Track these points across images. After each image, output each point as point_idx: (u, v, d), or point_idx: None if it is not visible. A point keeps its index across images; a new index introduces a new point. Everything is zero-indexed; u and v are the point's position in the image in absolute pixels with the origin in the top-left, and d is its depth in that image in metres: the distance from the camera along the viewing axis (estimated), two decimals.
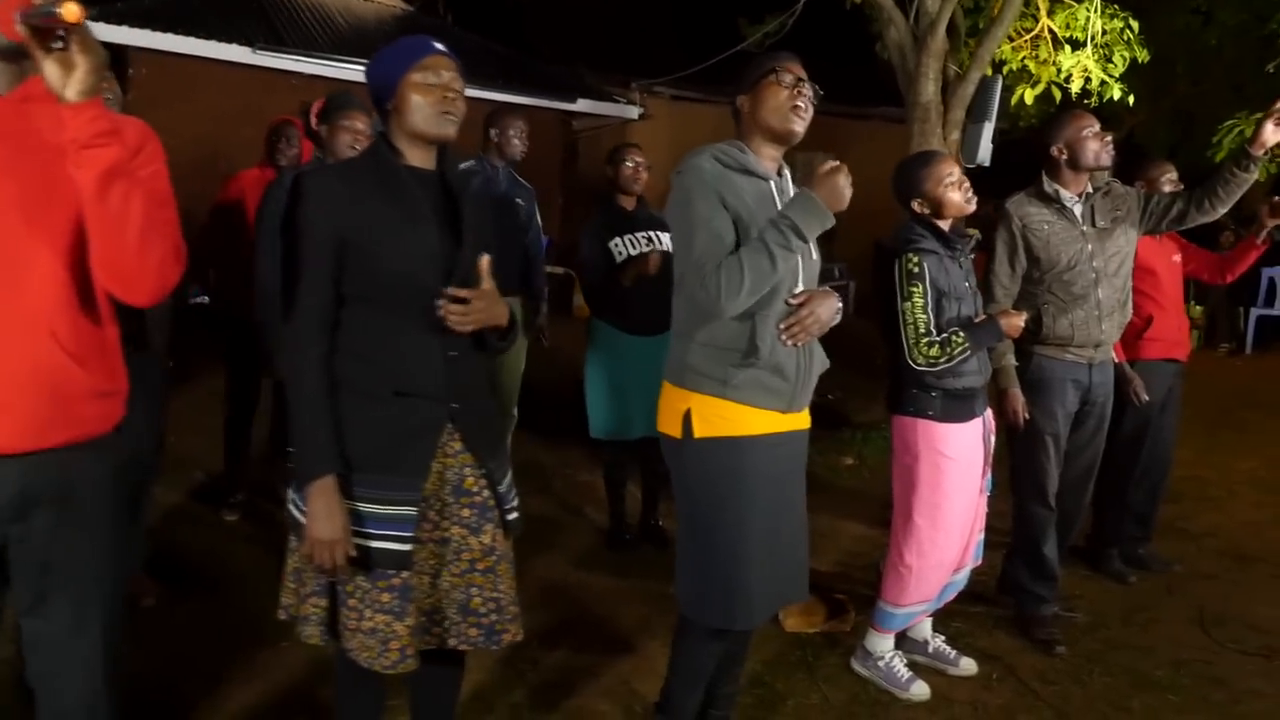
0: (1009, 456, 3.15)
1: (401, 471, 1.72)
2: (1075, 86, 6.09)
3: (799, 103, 2.03)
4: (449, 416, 1.77)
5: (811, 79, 2.06)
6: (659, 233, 3.72)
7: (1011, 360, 3.01)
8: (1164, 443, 3.71)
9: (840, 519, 4.22)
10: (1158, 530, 3.89)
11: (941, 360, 2.54)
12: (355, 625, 1.73)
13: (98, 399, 1.52)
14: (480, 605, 1.82)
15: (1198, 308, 8.74)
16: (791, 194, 2.11)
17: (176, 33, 7.92)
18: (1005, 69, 6.41)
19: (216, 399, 4.03)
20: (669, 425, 2.09)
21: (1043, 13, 6.23)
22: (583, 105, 10.27)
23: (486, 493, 1.82)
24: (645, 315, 3.52)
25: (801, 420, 2.15)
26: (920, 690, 2.70)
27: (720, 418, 2.01)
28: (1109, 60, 6.18)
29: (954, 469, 2.64)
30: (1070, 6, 6.17)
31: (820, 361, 2.16)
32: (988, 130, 5.90)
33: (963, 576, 2.85)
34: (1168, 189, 3.54)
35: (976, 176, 3.66)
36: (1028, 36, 6.38)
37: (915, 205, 2.66)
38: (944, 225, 2.65)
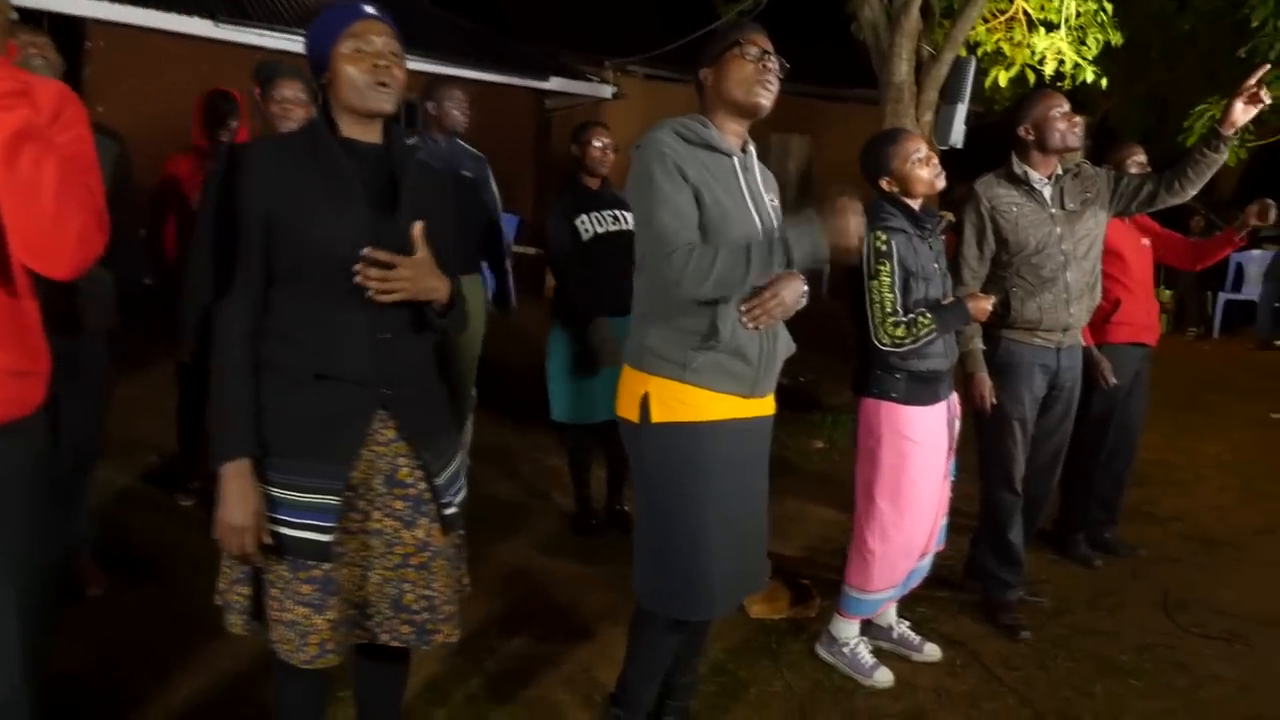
0: (976, 441, 3.12)
1: (322, 458, 1.64)
2: (1049, 69, 6.07)
3: (765, 76, 1.95)
4: (379, 402, 1.68)
5: (785, 59, 1.98)
6: (625, 212, 3.65)
7: (979, 344, 2.98)
8: (1131, 427, 3.70)
9: (809, 503, 4.20)
10: (1124, 514, 3.88)
11: (907, 341, 2.49)
12: (277, 616, 1.66)
13: (12, 379, 1.44)
14: (413, 602, 1.74)
15: (1167, 292, 8.81)
16: (756, 170, 2.05)
17: (135, 4, 7.67)
18: (979, 51, 6.38)
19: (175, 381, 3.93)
20: (627, 409, 2.02)
21: None
22: (556, 84, 10.13)
23: (422, 485, 1.74)
24: (612, 295, 3.45)
25: (765, 406, 2.08)
26: (884, 677, 2.67)
27: (679, 402, 1.94)
28: (1083, 43, 6.16)
29: (918, 452, 2.60)
30: None
31: (785, 345, 2.09)
32: (961, 112, 5.88)
33: (927, 562, 2.82)
34: (1134, 171, 3.52)
35: (950, 159, 3.61)
36: (1002, 18, 6.35)
37: (884, 183, 2.61)
38: (914, 204, 2.60)
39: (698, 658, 2.30)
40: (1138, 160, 3.55)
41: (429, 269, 1.65)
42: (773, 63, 1.96)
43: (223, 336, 1.63)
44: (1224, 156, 2.83)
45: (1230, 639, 3.04)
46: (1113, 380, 3.42)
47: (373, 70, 1.61)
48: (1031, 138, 2.92)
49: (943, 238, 2.70)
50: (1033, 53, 6.14)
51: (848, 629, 2.76)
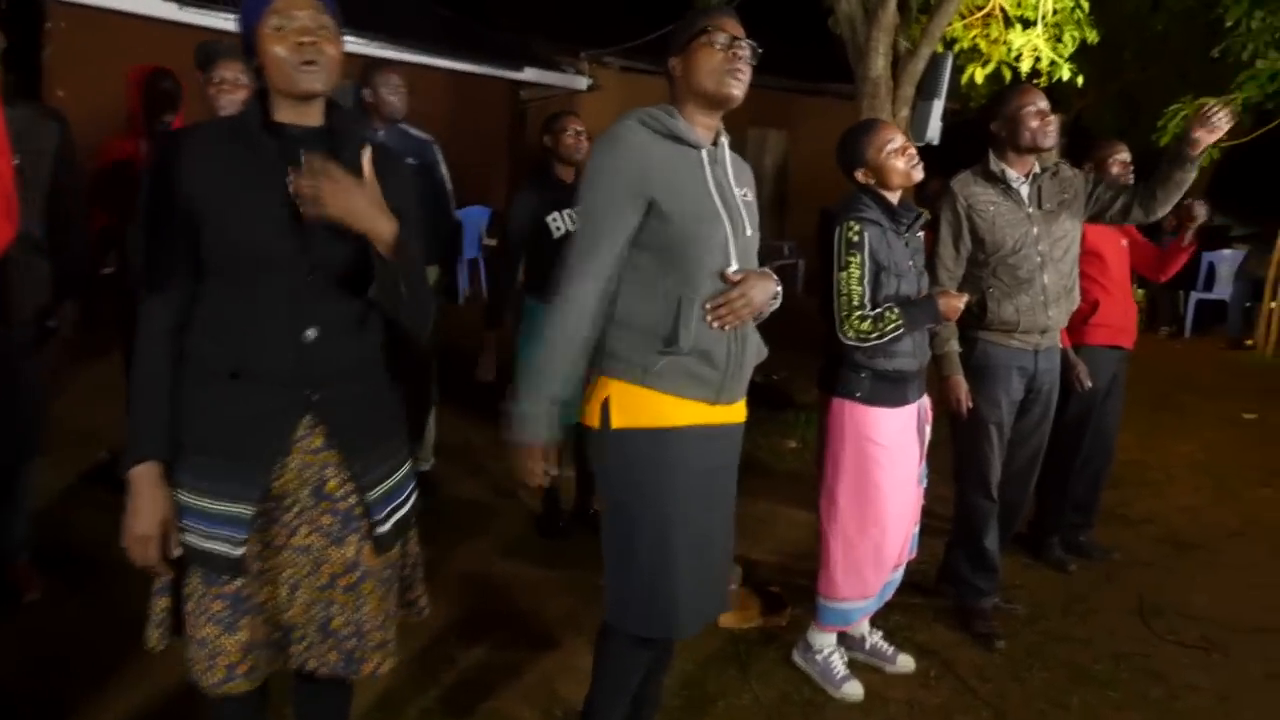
0: (952, 444, 3.05)
1: (235, 463, 1.52)
2: (1025, 66, 6.02)
3: (735, 64, 1.83)
4: (303, 406, 1.56)
5: (762, 52, 1.87)
6: None
7: (955, 346, 2.89)
8: (1107, 430, 3.65)
9: (781, 504, 4.11)
10: (1098, 516, 3.84)
11: (873, 336, 2.39)
12: (191, 632, 1.55)
13: None
14: (341, 626, 1.62)
15: (1139, 291, 8.83)
16: (728, 164, 1.92)
17: None
18: (956, 47, 6.33)
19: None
20: (589, 414, 1.91)
21: None
22: (531, 75, 9.99)
23: (353, 499, 1.61)
24: None
25: (734, 413, 1.96)
26: (853, 690, 2.59)
27: (641, 407, 1.83)
28: (1059, 40, 6.12)
29: (883, 456, 2.50)
30: None
31: (755, 349, 1.97)
32: (937, 108, 5.81)
33: (900, 573, 2.73)
34: (1116, 170, 3.46)
35: (924, 155, 3.53)
36: (979, 14, 6.30)
37: (859, 175, 2.52)
38: (891, 197, 2.51)
39: (664, 674, 2.19)
40: (1120, 159, 3.48)
41: (371, 195, 1.49)
42: (743, 49, 1.84)
43: (142, 332, 1.53)
44: (1192, 175, 2.78)
45: (1207, 647, 2.99)
46: (1089, 383, 3.36)
47: (297, 48, 1.48)
48: (1004, 134, 2.85)
49: (920, 235, 2.62)
50: (1009, 50, 6.10)
51: (823, 638, 2.67)
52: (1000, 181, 2.89)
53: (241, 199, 1.49)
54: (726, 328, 1.84)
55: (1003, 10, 6.19)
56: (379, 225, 1.49)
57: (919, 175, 2.49)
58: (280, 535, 1.58)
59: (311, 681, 1.73)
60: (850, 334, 2.41)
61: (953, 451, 3.05)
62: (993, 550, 3.02)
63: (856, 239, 2.41)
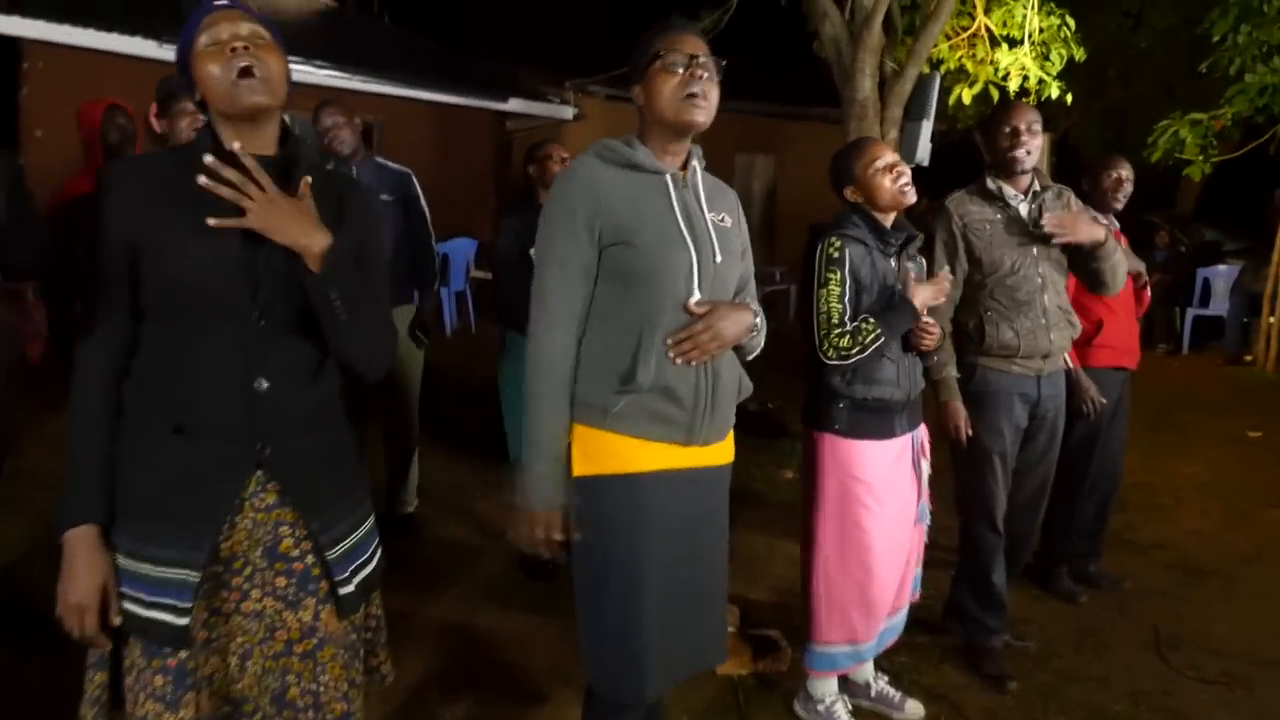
0: (953, 474, 2.92)
1: (180, 525, 1.39)
2: (1013, 85, 5.97)
3: (693, 88, 1.67)
4: (254, 462, 1.43)
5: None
6: None
7: (952, 371, 2.77)
8: (1113, 454, 3.53)
9: (778, 538, 3.96)
10: (1105, 544, 3.71)
11: (854, 350, 2.26)
12: (130, 710, 1.41)
13: None
14: (298, 697, 1.48)
15: None
16: (699, 188, 1.79)
17: (74, 24, 7.37)
18: (942, 68, 6.28)
19: None
20: None
21: (979, 10, 6.11)
22: (516, 105, 9.95)
23: (310, 559, 1.48)
24: None
25: (715, 455, 1.80)
26: None
27: (604, 452, 1.69)
28: (1046, 59, 6.08)
29: (868, 494, 2.36)
30: (1007, 4, 6.06)
31: (733, 384, 1.80)
32: (926, 128, 5.74)
33: (900, 619, 2.59)
34: (1106, 186, 3.38)
35: (914, 177, 3.44)
36: (965, 35, 6.26)
37: (848, 193, 2.42)
38: (882, 219, 2.40)
39: None
40: (1114, 175, 3.37)
41: (305, 212, 1.39)
42: (704, 68, 1.69)
43: (78, 380, 1.41)
44: (1110, 261, 2.73)
45: (1229, 683, 2.85)
46: (1103, 400, 3.23)
47: (230, 57, 1.37)
48: (988, 155, 2.77)
49: (923, 260, 2.51)
50: (996, 69, 6.05)
51: (823, 686, 2.53)
52: (998, 199, 2.79)
53: (182, 235, 1.38)
54: (692, 363, 1.70)
55: (988, 30, 6.15)
56: (306, 239, 1.38)
57: (910, 198, 2.38)
58: (229, 601, 1.45)
59: None
60: (831, 353, 2.29)
61: (954, 480, 2.92)
62: (1000, 585, 2.88)
63: (837, 255, 2.31)
